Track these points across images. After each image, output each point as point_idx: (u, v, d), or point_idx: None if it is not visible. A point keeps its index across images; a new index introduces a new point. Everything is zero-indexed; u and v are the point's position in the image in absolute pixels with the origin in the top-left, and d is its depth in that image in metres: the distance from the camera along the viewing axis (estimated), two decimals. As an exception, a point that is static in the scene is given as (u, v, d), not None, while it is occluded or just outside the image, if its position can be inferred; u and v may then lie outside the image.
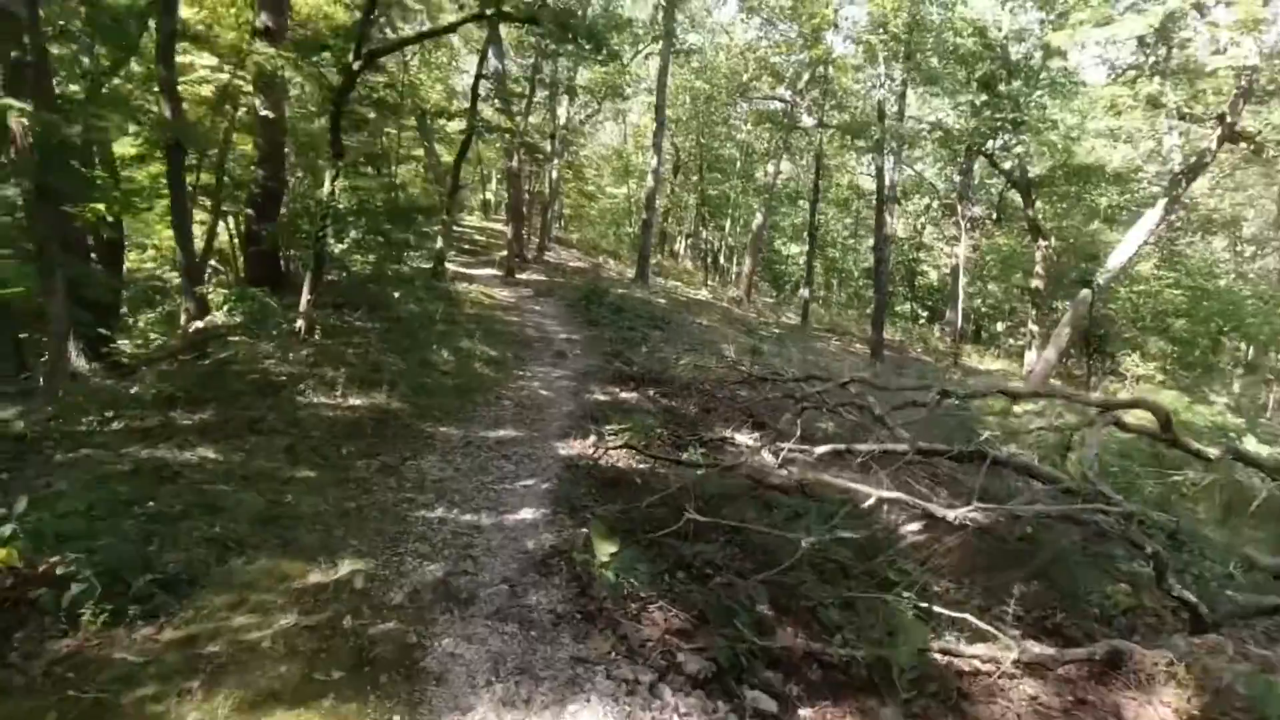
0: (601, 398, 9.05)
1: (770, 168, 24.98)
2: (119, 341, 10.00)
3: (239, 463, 5.29)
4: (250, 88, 11.50)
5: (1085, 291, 16.72)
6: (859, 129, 18.53)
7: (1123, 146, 19.13)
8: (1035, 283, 19.57)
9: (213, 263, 14.42)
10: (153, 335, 10.49)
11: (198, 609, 3.47)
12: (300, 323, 9.29)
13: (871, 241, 35.96)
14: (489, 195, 35.88)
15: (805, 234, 34.62)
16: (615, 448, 6.70)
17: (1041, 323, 19.53)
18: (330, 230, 8.81)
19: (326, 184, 9.29)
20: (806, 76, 23.70)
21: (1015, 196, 26.46)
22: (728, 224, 31.38)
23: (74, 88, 11.44)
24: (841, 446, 7.72)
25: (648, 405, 8.97)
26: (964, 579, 5.41)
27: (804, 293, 21.77)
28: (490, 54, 15.48)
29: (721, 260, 32.00)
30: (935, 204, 32.33)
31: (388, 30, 12.94)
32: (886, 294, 19.85)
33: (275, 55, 10.45)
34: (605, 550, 4.18)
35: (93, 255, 13.08)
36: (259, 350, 8.48)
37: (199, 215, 14.13)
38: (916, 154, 28.82)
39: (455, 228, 25.17)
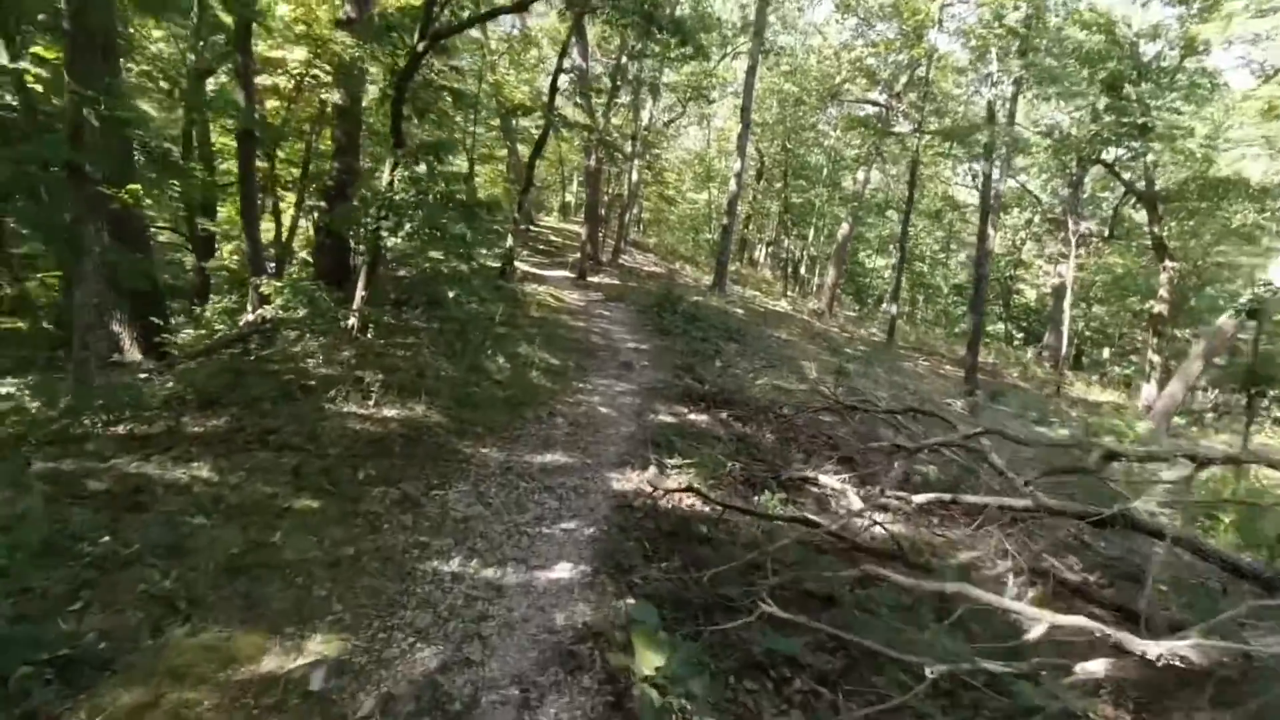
0: (667, 419, 7.91)
1: (860, 175, 23.26)
2: (184, 332, 9.61)
3: (233, 486, 4.42)
4: (330, 78, 11.06)
5: (1224, 319, 14.43)
6: (965, 133, 16.70)
7: (1266, 158, 16.60)
8: (1158, 307, 17.20)
9: (302, 255, 14.21)
10: (217, 326, 10.03)
11: (92, 710, 2.52)
12: (352, 320, 8.58)
13: (963, 256, 33.57)
14: (569, 197, 35.36)
15: (892, 246, 32.65)
16: (677, 490, 5.54)
17: (1162, 352, 17.15)
18: (386, 223, 8.04)
19: (385, 174, 8.57)
20: (904, 79, 21.92)
21: (1132, 212, 23.84)
22: (810, 233, 29.68)
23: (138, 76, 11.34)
24: (947, 496, 6.33)
25: (719, 430, 7.77)
26: (1130, 705, 3.98)
27: (891, 308, 19.97)
28: (574, 51, 14.60)
29: (803, 271, 30.28)
30: (1037, 218, 29.64)
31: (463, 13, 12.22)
32: (984, 313, 17.88)
33: (353, 45, 9.90)
34: (651, 661, 3.03)
35: (189, 245, 13.05)
36: (304, 348, 7.78)
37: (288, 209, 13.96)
38: (1020, 163, 26.42)
39: (531, 228, 24.61)
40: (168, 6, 7.99)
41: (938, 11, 17.11)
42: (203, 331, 9.72)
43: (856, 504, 6.23)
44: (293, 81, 11.61)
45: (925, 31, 18.26)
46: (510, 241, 14.00)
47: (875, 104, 22.46)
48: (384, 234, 8.01)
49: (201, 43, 11.15)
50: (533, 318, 11.82)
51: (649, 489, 5.62)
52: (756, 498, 5.94)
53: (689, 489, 5.53)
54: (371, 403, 6.34)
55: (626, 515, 5.15)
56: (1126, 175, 18.05)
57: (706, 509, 5.47)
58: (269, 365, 7.10)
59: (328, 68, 10.76)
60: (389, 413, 6.24)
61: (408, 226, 8.07)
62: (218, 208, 13.32)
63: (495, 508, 4.99)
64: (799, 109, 24.26)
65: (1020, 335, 31.91)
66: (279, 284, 8.66)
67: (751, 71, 19.06)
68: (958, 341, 27.27)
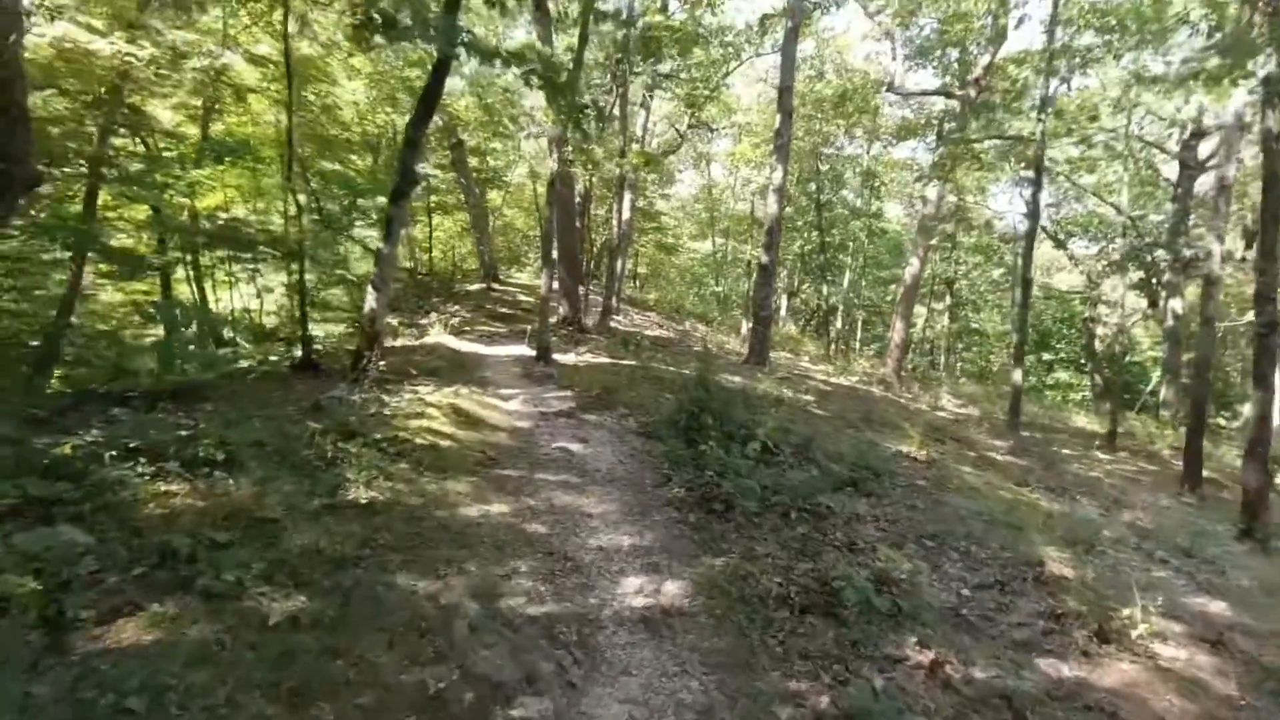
0: None
1: (930, 193, 15.58)
2: None
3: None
4: None
5: None
6: (1224, 73, 8.84)
7: None
8: None
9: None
10: None
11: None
12: None
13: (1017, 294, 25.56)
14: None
15: (946, 290, 24.85)
16: None
17: None
18: None
19: None
20: (985, 59, 14.47)
21: None
22: (846, 277, 21.94)
23: None
24: None
25: None
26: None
27: (1016, 377, 12.02)
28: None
29: (838, 324, 22.20)
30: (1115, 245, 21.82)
31: None
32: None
33: None
34: None
35: None
36: None
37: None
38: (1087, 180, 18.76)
39: (494, 287, 16.76)
40: None
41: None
42: None
43: None
44: None
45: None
46: (372, 302, 6.09)
47: (950, 95, 14.98)
48: None
49: None
50: (359, 509, 3.79)
51: None
52: None
53: None
54: None
55: None
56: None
57: None
58: None
59: None
60: None
61: None
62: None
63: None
64: (836, 116, 16.69)
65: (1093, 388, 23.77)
66: None
67: (793, 34, 11.56)
68: (1064, 409, 19.13)
